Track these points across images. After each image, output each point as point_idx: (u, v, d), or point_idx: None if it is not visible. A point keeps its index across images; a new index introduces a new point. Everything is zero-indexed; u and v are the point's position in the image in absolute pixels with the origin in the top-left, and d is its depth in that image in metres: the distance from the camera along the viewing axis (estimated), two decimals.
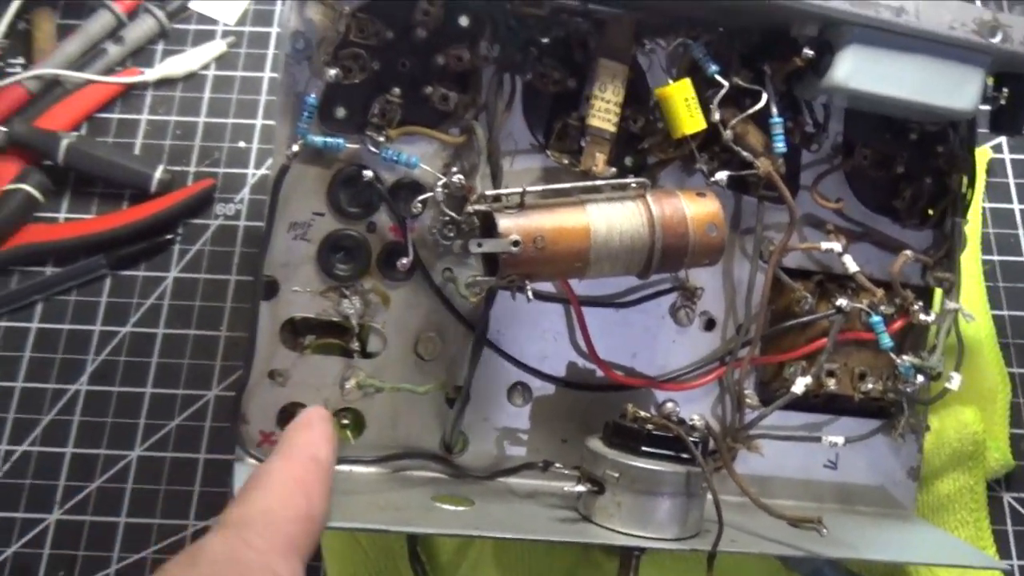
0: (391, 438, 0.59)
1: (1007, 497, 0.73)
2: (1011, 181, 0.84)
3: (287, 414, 0.56)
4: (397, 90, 0.55)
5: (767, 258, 0.61)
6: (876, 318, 0.60)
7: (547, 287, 0.59)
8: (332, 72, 0.53)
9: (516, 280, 0.52)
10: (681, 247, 0.53)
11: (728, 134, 0.56)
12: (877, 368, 0.63)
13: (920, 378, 0.62)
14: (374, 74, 0.55)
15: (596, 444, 0.55)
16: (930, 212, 0.64)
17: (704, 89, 0.56)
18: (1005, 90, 0.59)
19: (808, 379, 0.59)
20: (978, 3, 0.81)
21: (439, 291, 0.58)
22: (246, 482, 0.45)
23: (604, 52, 0.56)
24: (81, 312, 0.74)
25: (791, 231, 0.58)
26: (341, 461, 0.55)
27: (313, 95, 0.54)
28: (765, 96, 0.56)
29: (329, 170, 0.56)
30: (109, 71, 0.81)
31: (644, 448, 0.53)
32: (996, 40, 0.55)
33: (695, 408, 0.62)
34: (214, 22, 0.84)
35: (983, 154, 0.82)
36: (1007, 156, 0.85)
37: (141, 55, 0.82)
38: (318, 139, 0.54)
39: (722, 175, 0.57)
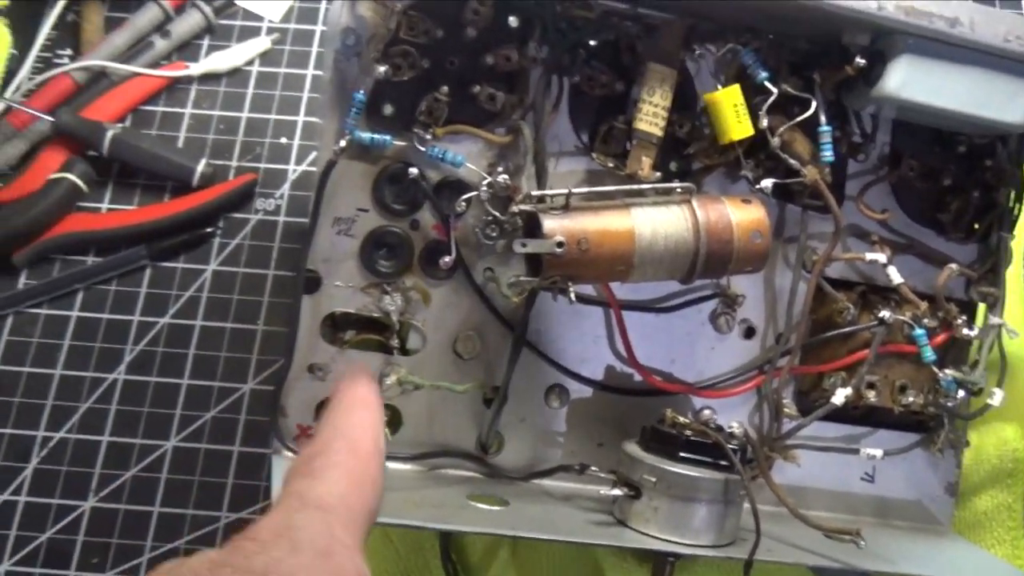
0: (427, 436, 0.59)
1: None
2: None
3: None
4: (445, 88, 0.55)
5: (809, 267, 0.61)
6: (919, 331, 0.59)
7: (587, 289, 0.59)
8: (381, 69, 0.53)
9: (559, 281, 0.52)
10: (725, 253, 0.52)
11: (776, 141, 0.56)
12: (918, 381, 0.62)
13: (961, 393, 0.61)
14: (423, 72, 0.55)
15: (633, 448, 0.55)
16: (976, 226, 0.64)
17: (751, 95, 0.56)
18: None
19: (848, 390, 0.59)
20: None
21: (480, 290, 0.58)
22: (311, 451, 0.41)
23: (653, 56, 0.56)
24: (121, 302, 0.75)
25: (836, 241, 0.58)
26: None
27: (361, 92, 0.54)
28: (814, 104, 0.56)
29: (375, 167, 0.56)
30: (155, 64, 0.81)
31: (682, 454, 0.53)
32: None
33: (732, 416, 0.61)
34: (259, 19, 0.84)
35: None
36: None
37: (187, 49, 0.83)
38: (365, 135, 0.54)
39: (767, 182, 0.57)
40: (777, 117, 0.56)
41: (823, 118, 0.56)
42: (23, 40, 0.80)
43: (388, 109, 0.55)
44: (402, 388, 0.58)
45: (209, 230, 0.77)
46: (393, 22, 0.54)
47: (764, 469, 0.58)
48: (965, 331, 0.61)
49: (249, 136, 0.80)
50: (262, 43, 0.83)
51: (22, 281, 0.75)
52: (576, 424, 0.61)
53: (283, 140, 0.80)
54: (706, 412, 0.57)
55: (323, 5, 0.85)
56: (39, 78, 0.80)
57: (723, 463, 0.53)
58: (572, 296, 0.52)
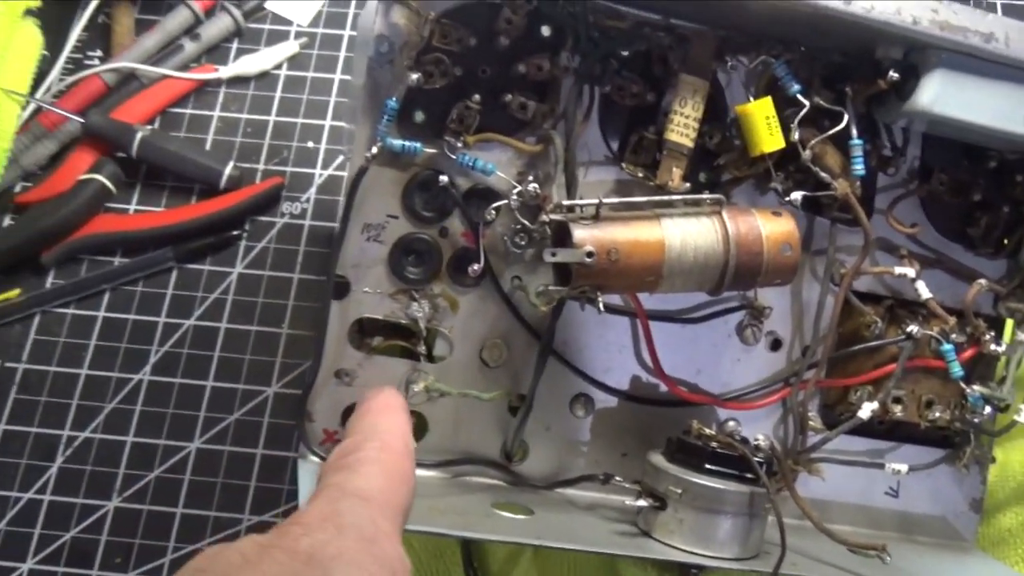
0: (452, 443, 0.59)
1: None
2: None
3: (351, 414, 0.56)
4: (477, 96, 0.55)
5: (837, 280, 0.60)
6: (948, 346, 0.59)
7: (614, 299, 0.59)
8: (414, 76, 0.53)
9: (587, 291, 0.52)
10: (755, 266, 0.52)
11: (807, 154, 0.56)
12: (944, 396, 0.62)
13: (988, 409, 0.61)
14: (455, 80, 0.55)
15: (659, 459, 0.55)
16: (1005, 241, 0.63)
17: (782, 108, 0.56)
18: None
19: (874, 404, 0.58)
20: None
21: (507, 299, 0.58)
22: (345, 449, 0.42)
23: (685, 67, 0.56)
24: (147, 303, 0.75)
25: (865, 254, 0.58)
26: None
27: (394, 99, 0.54)
28: (846, 117, 0.55)
29: (405, 173, 0.56)
30: (184, 67, 0.82)
31: (708, 466, 0.53)
32: None
33: (757, 428, 0.61)
34: (288, 23, 0.85)
35: None
36: None
37: (216, 53, 0.83)
38: (396, 142, 0.54)
39: (797, 195, 0.57)
40: (808, 130, 0.56)
41: (855, 131, 0.56)
42: (54, 41, 0.80)
43: (419, 116, 0.55)
44: (428, 395, 0.58)
45: (235, 233, 0.77)
46: (426, 30, 0.54)
47: (789, 482, 0.58)
48: (993, 347, 0.60)
49: (276, 140, 0.81)
50: (290, 47, 0.83)
51: (50, 281, 0.75)
52: (601, 433, 0.61)
53: (310, 144, 0.81)
54: (731, 424, 0.57)
55: (352, 9, 0.86)
56: (70, 79, 0.80)
57: (748, 476, 0.53)
58: (600, 306, 0.52)
